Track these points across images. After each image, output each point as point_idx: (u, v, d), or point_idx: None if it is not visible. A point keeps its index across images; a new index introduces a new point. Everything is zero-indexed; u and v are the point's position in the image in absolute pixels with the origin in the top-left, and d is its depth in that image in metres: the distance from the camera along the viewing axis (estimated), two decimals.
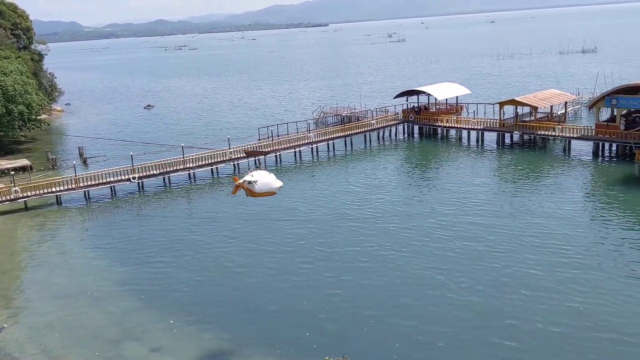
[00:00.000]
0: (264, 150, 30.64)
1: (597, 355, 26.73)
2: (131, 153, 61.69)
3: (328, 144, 71.67)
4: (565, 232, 40.71)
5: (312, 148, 70.35)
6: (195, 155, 63.47)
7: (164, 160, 61.84)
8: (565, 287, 32.84)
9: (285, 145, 68.15)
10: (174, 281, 37.76)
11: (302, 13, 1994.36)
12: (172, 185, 60.96)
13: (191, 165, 62.18)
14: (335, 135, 72.33)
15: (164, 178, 61.13)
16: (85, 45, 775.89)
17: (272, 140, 68.46)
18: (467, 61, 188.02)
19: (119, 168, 60.08)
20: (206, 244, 43.63)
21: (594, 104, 64.46)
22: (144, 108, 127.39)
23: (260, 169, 29.90)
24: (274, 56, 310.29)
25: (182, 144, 64.68)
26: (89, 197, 57.72)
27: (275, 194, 30.30)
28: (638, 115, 63.49)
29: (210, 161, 63.34)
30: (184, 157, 62.12)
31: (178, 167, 61.52)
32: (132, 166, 59.63)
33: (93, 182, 57.91)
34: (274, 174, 30.58)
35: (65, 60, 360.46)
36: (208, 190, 59.51)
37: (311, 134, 71.38)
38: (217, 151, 64.56)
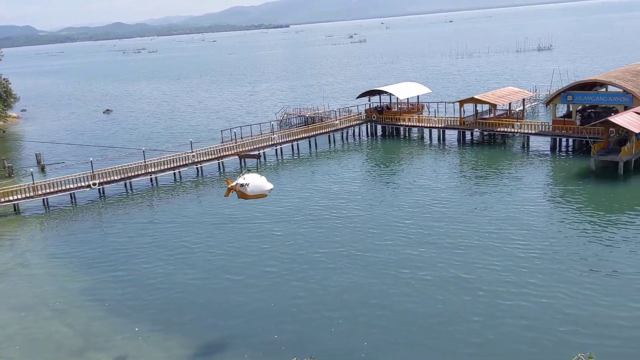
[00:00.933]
0: (256, 154, 31.79)
1: (556, 348, 27.25)
2: (91, 159, 60.43)
3: (292, 145, 71.61)
4: (525, 228, 41.49)
5: (276, 149, 70.17)
6: (157, 159, 62.55)
7: (124, 165, 60.74)
8: (524, 283, 33.29)
9: (249, 147, 67.75)
10: (138, 289, 37.11)
11: (263, 14, 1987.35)
12: (133, 190, 59.93)
13: (153, 169, 61.24)
14: (299, 136, 72.31)
15: (125, 183, 60.03)
16: (41, 50, 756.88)
17: (236, 142, 67.99)
18: (426, 60, 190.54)
19: (79, 174, 58.71)
20: (169, 250, 43.01)
21: (551, 101, 66.11)
22: (103, 113, 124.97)
23: (251, 172, 30.23)
24: (235, 58, 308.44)
25: (143, 148, 63.67)
26: (48, 205, 56.25)
27: (266, 196, 30.76)
28: (593, 110, 65.35)
29: (172, 165, 62.50)
30: (145, 162, 61.13)
31: (139, 172, 60.50)
32: (92, 172, 58.38)
33: (52, 190, 56.46)
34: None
35: (20, 66, 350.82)
36: (171, 194, 58.72)
37: (275, 135, 71.19)
38: (179, 155, 63.76)
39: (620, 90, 60.28)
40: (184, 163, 63.12)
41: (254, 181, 29.35)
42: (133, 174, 60.10)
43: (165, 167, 62.07)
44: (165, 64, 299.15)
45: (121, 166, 60.53)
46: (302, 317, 31.99)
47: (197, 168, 64.08)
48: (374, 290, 34.15)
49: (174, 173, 62.74)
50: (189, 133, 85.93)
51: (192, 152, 64.09)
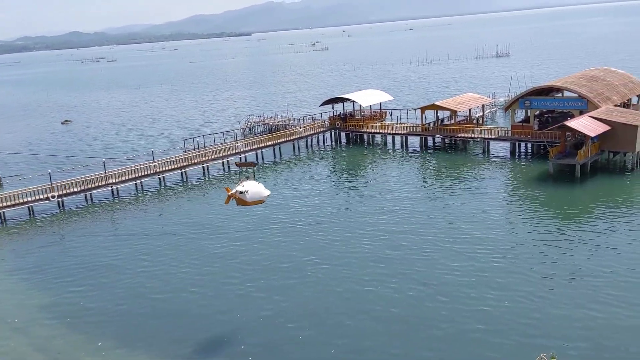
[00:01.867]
0: (253, 162, 33.52)
1: (518, 350, 27.65)
2: (49, 170, 58.87)
3: (257, 153, 71.31)
4: (486, 232, 42.15)
5: (240, 158, 69.75)
6: (118, 170, 61.40)
7: (84, 177, 59.42)
8: (486, 288, 33.70)
9: (213, 156, 67.20)
10: (100, 304, 36.25)
11: (224, 22, 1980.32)
12: (94, 202, 58.62)
13: (114, 180, 60.08)
14: (263, 145, 72.08)
15: (85, 195, 58.71)
16: None
17: (199, 152, 67.31)
18: (388, 68, 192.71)
19: (37, 187, 57.13)
20: (132, 263, 42.18)
21: (509, 106, 67.61)
22: (62, 123, 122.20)
23: (249, 179, 31.08)
24: (197, 66, 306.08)
25: (104, 159, 62.45)
26: (4, 219, 54.54)
27: (264, 202, 31.87)
28: (550, 115, 67.07)
29: (134, 175, 61.45)
30: (105, 173, 59.93)
31: (100, 183, 59.27)
32: (51, 184, 56.93)
33: (9, 203, 54.77)
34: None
35: None
36: (133, 206, 57.66)
37: (239, 143, 70.79)
38: (141, 165, 62.73)
39: (576, 95, 62.06)
40: (146, 173, 62.13)
41: (253, 188, 30.34)
42: (93, 185, 58.84)
43: (127, 177, 60.99)
44: (125, 73, 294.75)
45: (81, 177, 59.20)
46: (269, 328, 31.76)
47: (159, 178, 63.17)
48: (339, 299, 34.14)
49: (136, 184, 61.69)
50: (149, 143, 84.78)
51: (154, 162, 63.15)
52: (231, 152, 68.80)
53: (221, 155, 67.83)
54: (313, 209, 50.77)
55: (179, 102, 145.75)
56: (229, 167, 68.05)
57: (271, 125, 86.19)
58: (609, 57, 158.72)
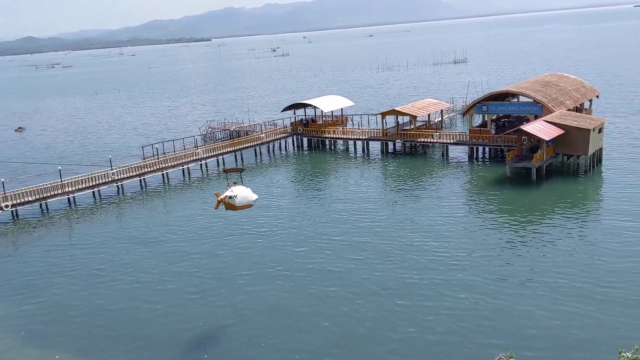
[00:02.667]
0: (240, 167, 34.30)
1: (477, 353, 28.06)
2: (2, 179, 56.97)
3: (218, 160, 70.64)
4: (445, 236, 42.75)
5: (200, 164, 68.98)
6: (74, 178, 59.89)
7: (39, 186, 57.72)
8: (444, 292, 34.04)
9: (172, 163, 66.26)
10: (56, 316, 35.24)
11: (183, 28, 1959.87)
12: (50, 211, 57.00)
13: (70, 189, 58.57)
14: (224, 151, 71.46)
15: (40, 204, 57.03)
16: None
17: (158, 158, 66.27)
18: (348, 74, 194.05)
19: None
20: (89, 275, 41.15)
21: (467, 111, 68.89)
22: (15, 131, 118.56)
23: (237, 185, 31.84)
24: (155, 72, 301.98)
25: (59, 167, 60.85)
26: None
27: (252, 206, 33.05)
28: (506, 120, 68.59)
29: (91, 184, 60.04)
30: (61, 181, 58.38)
31: (56, 192, 57.68)
32: (4, 193, 55.10)
33: None
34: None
35: None
36: (90, 214, 56.31)
37: (199, 150, 70.01)
38: (98, 173, 61.34)
39: (531, 100, 63.69)
40: (104, 181, 60.81)
41: (241, 193, 31.16)
42: (49, 194, 57.21)
43: (84, 185, 59.54)
44: (81, 80, 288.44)
45: (36, 186, 57.47)
46: (232, 336, 31.47)
47: (117, 186, 61.91)
48: (301, 306, 34.00)
49: (93, 192, 60.30)
50: (106, 151, 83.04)
51: (111, 169, 61.88)
52: (191, 158, 67.98)
53: (181, 161, 66.94)
54: (274, 216, 50.53)
55: (136, 108, 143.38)
56: (189, 174, 67.22)
57: (232, 131, 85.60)
58: (561, 63, 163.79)
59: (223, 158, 71.02)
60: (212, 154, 70.08)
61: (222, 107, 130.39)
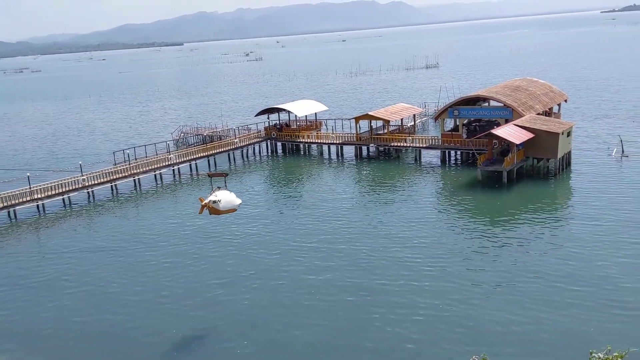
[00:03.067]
0: (224, 173, 36.06)
1: (451, 356, 28.33)
2: None
3: (190, 165, 70.01)
4: (418, 240, 42.93)
5: (173, 170, 68.27)
6: (44, 185, 58.70)
7: (7, 193, 56.36)
8: (417, 297, 34.11)
9: (144, 169, 65.43)
10: (24, 327, 34.47)
11: (155, 32, 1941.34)
12: (18, 219, 55.72)
13: (39, 195, 57.38)
14: (197, 156, 70.86)
15: (8, 212, 55.71)
16: None
17: (130, 164, 65.37)
18: (322, 78, 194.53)
19: None
20: (59, 284, 40.37)
21: (439, 116, 69.60)
22: None
23: (221, 189, 31.92)
24: (126, 77, 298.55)
25: (28, 174, 59.57)
26: None
27: (236, 210, 33.13)
28: (478, 124, 69.48)
29: (61, 190, 58.89)
30: (30, 188, 57.13)
31: (24, 199, 56.42)
32: None
33: None
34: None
35: None
36: (60, 222, 55.22)
37: (172, 155, 69.30)
38: (68, 179, 60.21)
39: (501, 104, 64.65)
40: (74, 187, 59.71)
41: (225, 197, 31.32)
42: (17, 201, 55.92)
43: (53, 192, 58.37)
44: (50, 84, 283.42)
45: (3, 193, 56.10)
46: (206, 344, 31.17)
47: (88, 192, 60.86)
48: (275, 313, 33.78)
49: (63, 199, 59.16)
50: (75, 157, 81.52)
51: (82, 175, 60.82)
52: (163, 163, 67.25)
53: (153, 167, 66.15)
54: (248, 222, 50.17)
55: (106, 113, 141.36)
56: (161, 180, 66.48)
57: (205, 136, 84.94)
58: (531, 67, 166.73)
59: (196, 163, 70.43)
60: (185, 159, 69.42)
61: (195, 111, 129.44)
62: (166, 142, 77.93)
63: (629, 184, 52.04)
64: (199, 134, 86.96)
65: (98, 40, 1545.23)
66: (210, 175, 35.23)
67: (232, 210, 32.49)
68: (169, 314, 34.48)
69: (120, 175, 63.31)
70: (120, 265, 42.45)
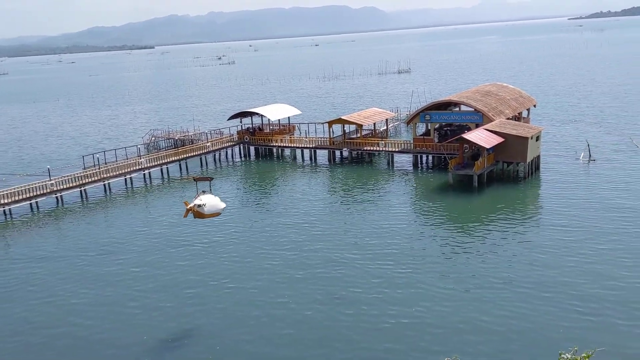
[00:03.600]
0: (209, 177, 36.51)
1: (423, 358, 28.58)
2: None
3: (162, 169, 69.22)
4: (390, 244, 43.14)
5: (144, 174, 67.38)
6: (10, 189, 57.34)
7: None
8: (389, 301, 34.34)
9: (115, 173, 64.45)
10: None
11: (125, 35, 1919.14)
12: None
13: (6, 200, 56.03)
14: (169, 160, 70.09)
15: None
16: None
17: (100, 168, 64.31)
18: (295, 83, 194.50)
19: None
20: (23, 292, 39.40)
21: (411, 120, 70.19)
22: None
23: (206, 193, 32.23)
24: (96, 80, 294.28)
25: None
26: None
27: (220, 214, 33.57)
28: (449, 128, 70.25)
29: (28, 195, 57.60)
30: None
31: None
32: None
33: None
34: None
35: None
36: (26, 228, 53.98)
37: (142, 159, 68.41)
38: (36, 184, 58.93)
39: (472, 109, 65.49)
40: (42, 192, 58.45)
41: (210, 201, 31.63)
42: None
43: (20, 197, 57.04)
44: (17, 87, 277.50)
45: None
46: (175, 353, 30.74)
47: (56, 197, 59.65)
48: (245, 320, 33.50)
49: (30, 204, 57.87)
50: (42, 162, 79.95)
51: (50, 180, 59.61)
52: (134, 168, 66.35)
53: (123, 171, 65.22)
54: (220, 227, 49.77)
55: (75, 117, 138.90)
56: (132, 184, 65.56)
57: (177, 140, 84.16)
58: (500, 73, 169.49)
59: (167, 167, 69.69)
60: (156, 163, 68.61)
61: (166, 115, 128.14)
62: (137, 146, 76.92)
63: (595, 188, 53.18)
64: (171, 138, 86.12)
65: (67, 43, 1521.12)
66: (195, 179, 35.32)
67: (217, 214, 32.81)
68: (138, 325, 33.76)
69: (90, 179, 62.23)
70: (87, 273, 41.59)
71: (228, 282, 38.33)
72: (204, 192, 32.85)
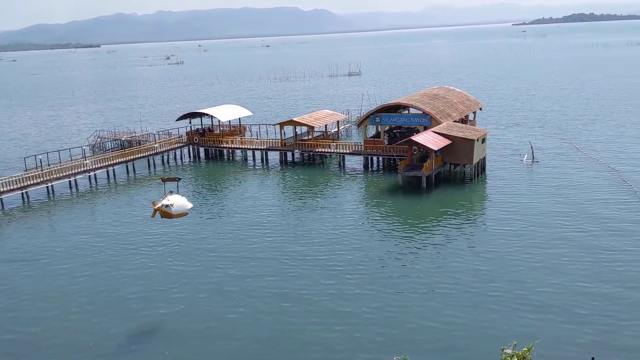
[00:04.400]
0: (176, 177, 36.95)
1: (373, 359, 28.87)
2: None
3: (108, 171, 67.44)
4: (341, 247, 43.19)
5: (89, 176, 65.49)
6: None
7: None
8: (340, 302, 34.38)
9: (58, 175, 62.36)
10: None
11: (70, 33, 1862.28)
12: None
13: None
14: (115, 161, 68.34)
15: None
16: None
17: (43, 170, 62.06)
18: (245, 84, 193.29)
19: None
20: None
21: (361, 122, 70.87)
22: None
23: (174, 194, 32.85)
24: (38, 79, 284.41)
25: None
26: None
27: (187, 214, 34.40)
28: (398, 130, 71.30)
29: None
30: None
31: None
32: None
33: None
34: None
35: None
36: None
37: (87, 161, 66.44)
38: None
39: (420, 112, 66.69)
40: None
41: (177, 202, 32.27)
42: None
43: None
44: None
45: None
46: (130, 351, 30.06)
47: None
48: (195, 326, 33.07)
49: None
50: None
51: None
52: (79, 169, 64.38)
53: (67, 173, 63.19)
54: (166, 231, 48.82)
55: (15, 118, 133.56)
56: (76, 186, 63.62)
57: (123, 141, 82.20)
58: (448, 77, 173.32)
59: (114, 169, 67.97)
60: (102, 164, 66.79)
61: (111, 116, 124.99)
62: (82, 147, 74.69)
63: (539, 189, 55.04)
64: (117, 139, 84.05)
65: (8, 41, 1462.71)
66: (163, 180, 35.47)
67: (184, 214, 33.39)
68: (82, 332, 32.66)
69: (32, 182, 59.94)
70: (29, 280, 40.01)
71: (176, 287, 37.53)
72: (171, 192, 33.17)
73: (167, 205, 32.06)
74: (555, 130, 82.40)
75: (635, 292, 33.50)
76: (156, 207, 32.42)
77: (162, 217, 32.94)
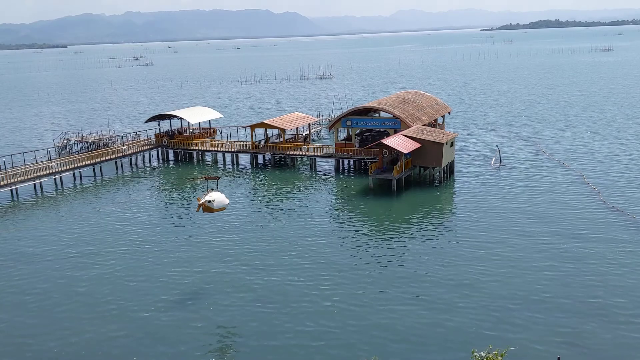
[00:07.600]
0: (217, 176, 42.51)
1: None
2: None
3: (74, 174, 66.12)
4: (312, 250, 43.33)
5: (55, 179, 64.10)
6: None
7: None
8: (310, 304, 34.52)
9: (22, 178, 60.86)
10: None
11: (35, 33, 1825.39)
12: None
13: None
14: (82, 164, 67.05)
15: None
16: None
17: (6, 173, 60.48)
18: (215, 86, 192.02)
19: None
20: None
21: (333, 125, 71.04)
22: None
23: (214, 190, 36.26)
24: (1, 80, 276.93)
25: None
26: None
27: (225, 209, 37.89)
28: (369, 134, 71.71)
29: None
30: None
31: None
32: None
33: None
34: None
35: None
36: None
37: (53, 163, 65.02)
38: None
39: (391, 115, 67.19)
40: None
41: (218, 198, 35.68)
42: None
43: None
44: None
45: None
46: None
47: None
48: (160, 330, 32.67)
49: None
50: None
51: None
52: (44, 172, 62.96)
53: (33, 176, 61.72)
54: (134, 233, 48.14)
55: None
56: (41, 189, 62.18)
57: (90, 143, 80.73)
58: (418, 81, 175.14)
59: (80, 172, 66.69)
60: (68, 167, 65.45)
61: (79, 118, 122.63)
62: (47, 149, 73.08)
63: (506, 191, 55.95)
64: (84, 141, 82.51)
65: None
66: (206, 179, 39.27)
67: (223, 208, 36.79)
68: (46, 340, 32.04)
69: None
70: (12, 281, 39.06)
71: (143, 293, 37.00)
72: (212, 189, 36.60)
73: (209, 201, 35.11)
74: (523, 135, 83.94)
75: (598, 292, 34.26)
76: (200, 202, 35.39)
77: (204, 212, 35.81)
